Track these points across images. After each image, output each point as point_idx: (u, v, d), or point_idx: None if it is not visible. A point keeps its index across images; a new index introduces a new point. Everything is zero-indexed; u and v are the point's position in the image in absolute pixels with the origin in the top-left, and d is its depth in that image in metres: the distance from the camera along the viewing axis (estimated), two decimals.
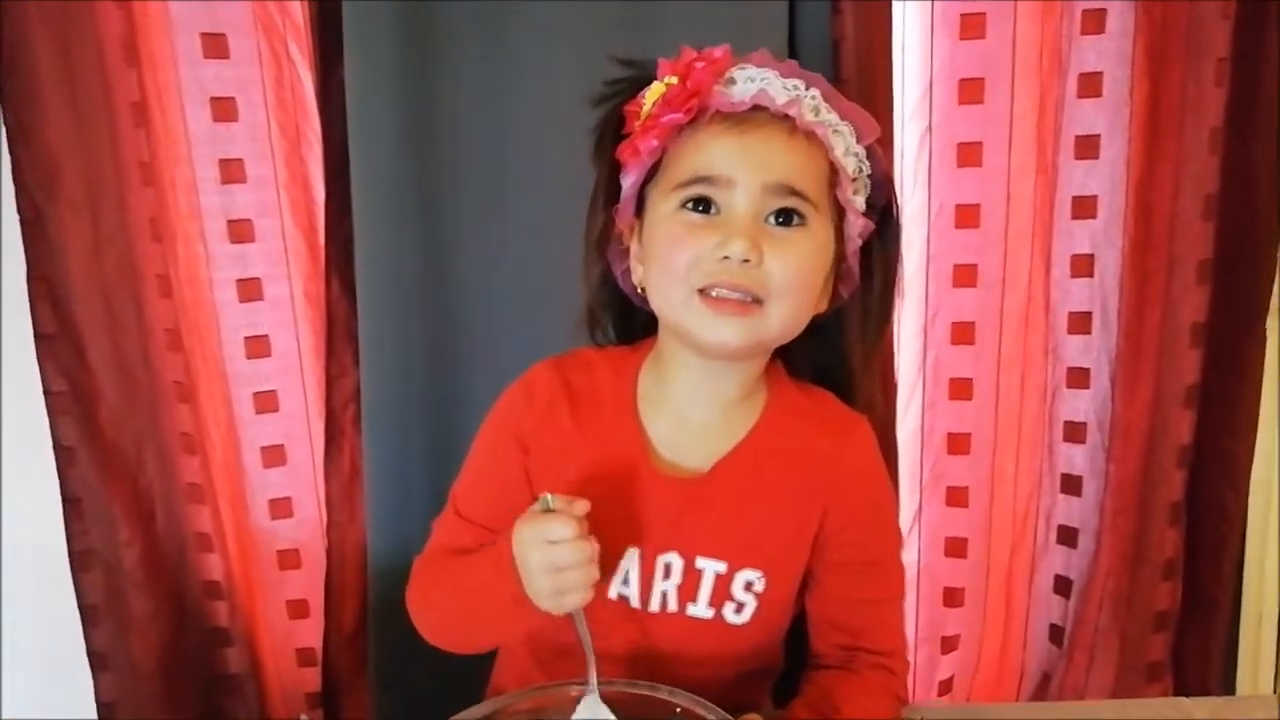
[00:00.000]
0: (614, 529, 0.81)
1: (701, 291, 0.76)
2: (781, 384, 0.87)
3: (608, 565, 0.81)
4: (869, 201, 0.82)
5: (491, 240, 1.14)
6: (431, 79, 1.10)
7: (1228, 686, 1.28)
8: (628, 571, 0.84)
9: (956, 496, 1.27)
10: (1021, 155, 1.16)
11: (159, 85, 1.12)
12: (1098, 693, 1.25)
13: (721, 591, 0.84)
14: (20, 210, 1.09)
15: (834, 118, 0.78)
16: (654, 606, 0.85)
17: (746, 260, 0.74)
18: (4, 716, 1.25)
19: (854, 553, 0.86)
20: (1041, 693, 1.32)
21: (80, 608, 1.20)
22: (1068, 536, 1.27)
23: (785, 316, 0.78)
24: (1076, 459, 1.24)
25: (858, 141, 0.79)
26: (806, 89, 0.78)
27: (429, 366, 1.17)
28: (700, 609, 0.85)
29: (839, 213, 0.80)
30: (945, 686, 1.34)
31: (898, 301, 0.87)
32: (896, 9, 1.13)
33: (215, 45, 1.11)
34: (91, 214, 1.11)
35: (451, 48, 1.10)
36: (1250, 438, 1.18)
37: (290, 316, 1.20)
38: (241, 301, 1.18)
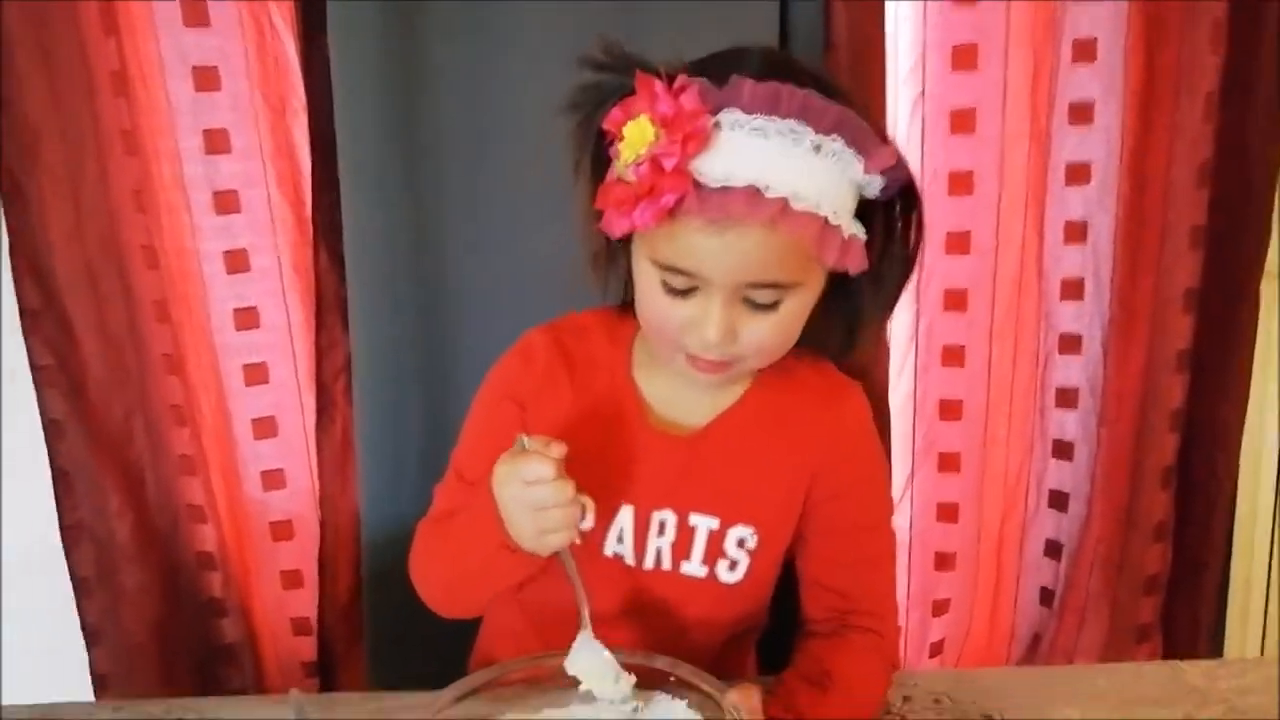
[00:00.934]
0: (609, 486, 0.83)
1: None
2: None
3: (602, 522, 0.82)
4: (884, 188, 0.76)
5: (481, 207, 1.12)
6: (417, 46, 1.08)
7: (1215, 649, 1.29)
8: (622, 529, 0.86)
9: (948, 462, 1.27)
10: (1015, 122, 1.15)
11: (139, 54, 1.09)
12: (1087, 655, 1.27)
13: (714, 548, 0.86)
14: None
15: (838, 147, 0.71)
16: (648, 564, 0.87)
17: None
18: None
19: (844, 517, 0.88)
20: (1031, 655, 1.34)
21: (72, 581, 1.20)
22: (1059, 501, 1.28)
23: (769, 359, 0.80)
24: (1068, 424, 1.25)
25: (864, 171, 0.72)
26: (805, 130, 0.69)
27: (420, 335, 1.16)
28: (694, 567, 0.86)
29: None
30: (936, 649, 1.35)
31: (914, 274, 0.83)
32: None
33: (195, 12, 1.09)
34: (73, 186, 1.09)
35: (437, 14, 1.08)
36: (1241, 402, 1.19)
37: (278, 287, 1.19)
38: (229, 273, 1.17)
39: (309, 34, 1.08)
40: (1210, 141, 1.10)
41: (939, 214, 1.18)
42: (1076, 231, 1.18)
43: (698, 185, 0.69)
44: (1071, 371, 1.23)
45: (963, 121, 1.15)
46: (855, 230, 0.74)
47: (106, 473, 1.17)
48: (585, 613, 0.78)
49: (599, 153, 0.75)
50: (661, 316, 0.77)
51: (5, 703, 0.91)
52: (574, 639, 0.78)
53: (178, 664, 1.26)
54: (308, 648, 1.29)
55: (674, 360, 0.80)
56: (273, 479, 1.25)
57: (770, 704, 0.77)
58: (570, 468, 0.78)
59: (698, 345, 0.76)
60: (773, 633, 0.96)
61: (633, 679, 0.76)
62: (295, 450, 1.24)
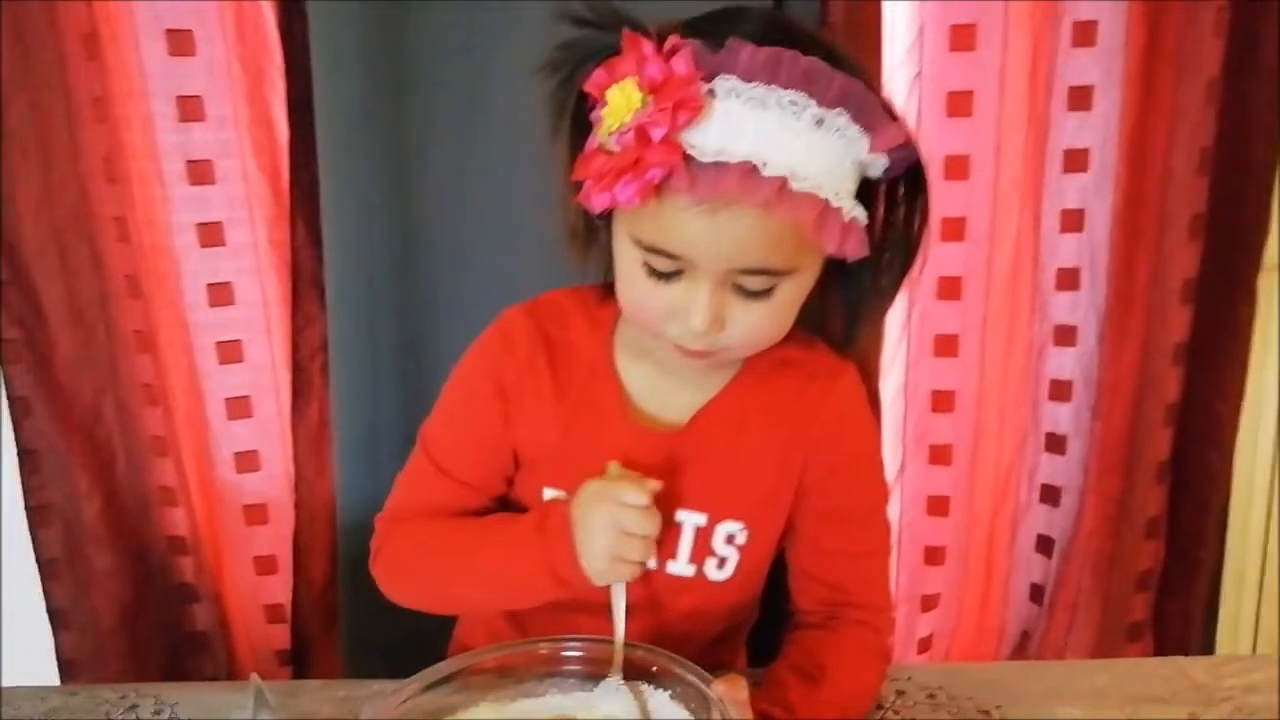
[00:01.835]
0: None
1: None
2: None
3: None
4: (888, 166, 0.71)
5: (464, 181, 1.09)
6: (399, 9, 1.05)
7: (1207, 648, 1.28)
8: None
9: (939, 454, 1.25)
10: (1013, 105, 1.12)
11: (110, 16, 1.06)
12: (1078, 652, 1.25)
13: (702, 545, 0.82)
14: None
15: (843, 122, 0.65)
16: None
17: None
18: None
19: (837, 504, 0.84)
20: (1021, 651, 1.32)
21: (39, 563, 1.17)
22: (1051, 495, 1.26)
23: (760, 348, 0.76)
24: (1061, 417, 1.23)
25: (870, 150, 0.68)
26: (807, 102, 0.64)
27: (399, 315, 1.14)
28: (681, 566, 0.82)
29: None
30: (924, 644, 1.33)
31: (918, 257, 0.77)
32: None
33: None
34: (42, 154, 1.06)
35: None
36: (1238, 397, 1.17)
37: (254, 263, 1.15)
38: (202, 247, 1.13)
39: None
40: (1211, 127, 1.08)
41: (934, 199, 1.15)
42: (1073, 220, 1.16)
43: (688, 160, 0.64)
44: (1065, 363, 1.20)
45: (960, 104, 1.12)
46: (856, 213, 0.68)
47: (75, 452, 1.14)
48: (619, 655, 0.73)
49: (580, 118, 0.70)
50: (643, 301, 0.72)
51: None
52: (557, 634, 0.74)
53: (148, 651, 1.23)
54: (281, 635, 1.27)
55: (657, 345, 0.75)
56: (246, 461, 1.22)
57: (758, 697, 0.73)
58: (551, 464, 0.76)
59: (682, 334, 0.72)
60: (761, 624, 0.93)
61: None
62: (270, 432, 1.21)
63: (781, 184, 0.63)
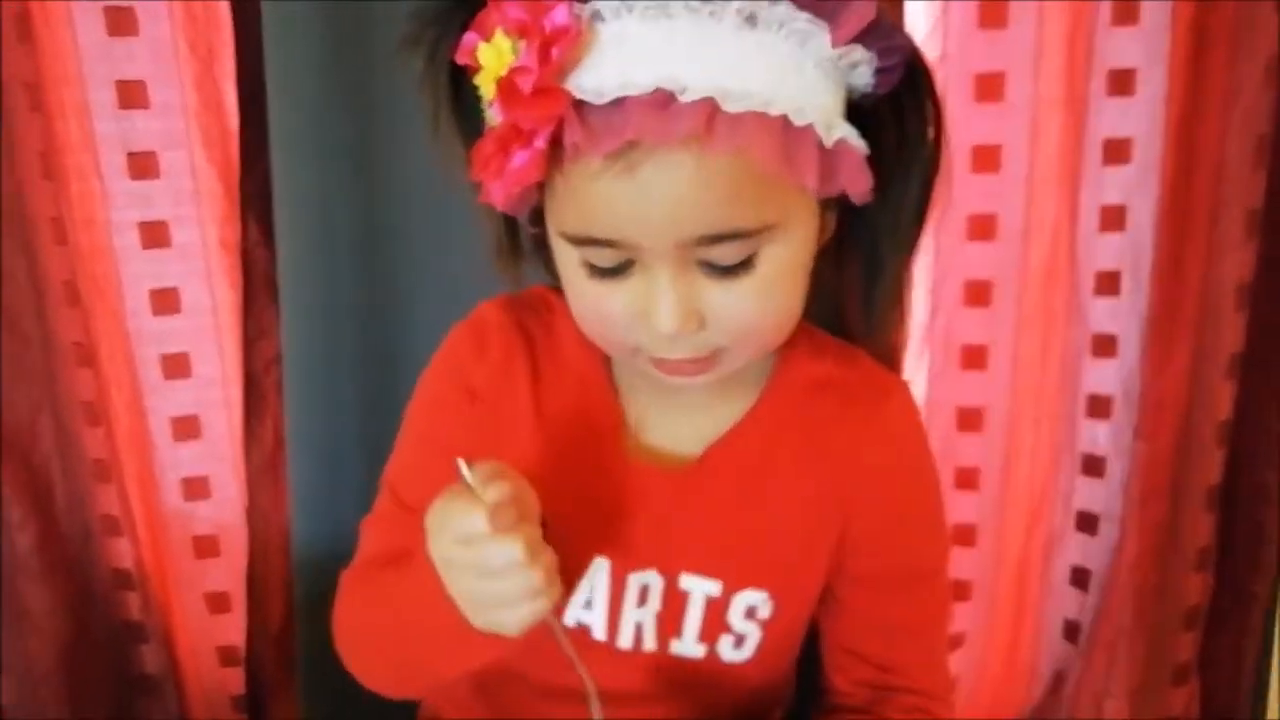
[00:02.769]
0: (578, 532, 0.64)
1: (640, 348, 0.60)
2: (796, 340, 0.66)
3: (570, 580, 0.62)
4: (878, 67, 0.57)
5: (431, 178, 0.99)
6: None
7: (1261, 691, 1.18)
8: (593, 590, 0.67)
9: (965, 478, 1.15)
10: (1048, 89, 1.03)
11: None
12: (1118, 695, 1.15)
13: (715, 621, 0.67)
14: None
15: (785, 11, 0.52)
16: (624, 643, 0.68)
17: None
18: None
19: (888, 563, 0.70)
20: (1055, 694, 1.22)
21: None
22: (1087, 523, 1.16)
23: (760, 346, 0.61)
24: (1100, 437, 1.13)
25: (833, 44, 0.53)
26: None
27: (361, 325, 1.07)
28: (687, 646, 0.68)
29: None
30: None
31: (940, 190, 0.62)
32: None
33: None
34: None
35: None
36: None
37: (202, 266, 1.06)
38: (145, 248, 1.04)
39: None
40: (1271, 112, 0.99)
41: (960, 194, 1.05)
42: (1114, 217, 1.07)
43: (580, 108, 0.51)
44: (1105, 376, 1.11)
45: (989, 88, 1.02)
46: (844, 133, 0.54)
47: (8, 478, 1.05)
48: (595, 706, 0.61)
49: (468, 102, 0.57)
50: (596, 311, 0.59)
51: None
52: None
53: (91, 696, 1.14)
54: (236, 679, 1.17)
55: (635, 362, 0.62)
56: (195, 487, 1.12)
57: None
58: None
59: (653, 342, 0.58)
60: (798, 714, 0.80)
61: None
62: (220, 454, 1.11)
63: (710, 109, 0.50)
